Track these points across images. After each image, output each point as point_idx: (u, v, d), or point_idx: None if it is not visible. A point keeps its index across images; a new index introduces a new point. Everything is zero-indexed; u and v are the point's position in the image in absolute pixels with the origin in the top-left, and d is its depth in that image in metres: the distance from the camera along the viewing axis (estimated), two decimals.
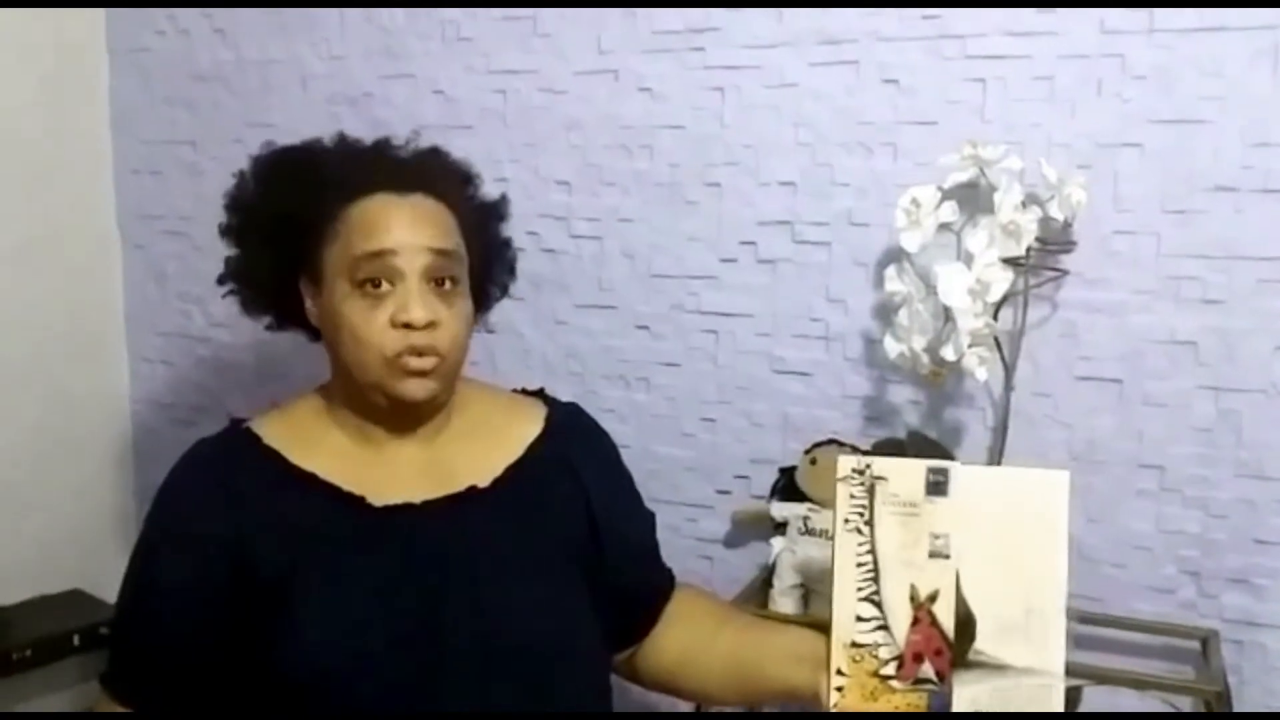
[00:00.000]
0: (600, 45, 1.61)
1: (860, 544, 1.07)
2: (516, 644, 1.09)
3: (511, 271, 1.29)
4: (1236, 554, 1.37)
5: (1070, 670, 1.24)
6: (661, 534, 1.33)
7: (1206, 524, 1.37)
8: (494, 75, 1.69)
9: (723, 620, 1.26)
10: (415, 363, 1.08)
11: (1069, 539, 1.41)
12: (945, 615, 1.05)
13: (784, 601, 1.44)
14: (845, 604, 1.07)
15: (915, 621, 1.06)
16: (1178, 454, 1.38)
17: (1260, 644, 1.37)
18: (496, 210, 1.27)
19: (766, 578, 1.48)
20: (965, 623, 1.05)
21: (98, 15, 1.96)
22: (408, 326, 1.07)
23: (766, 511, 1.53)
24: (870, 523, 1.07)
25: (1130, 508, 1.40)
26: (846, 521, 1.08)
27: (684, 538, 1.65)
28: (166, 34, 1.92)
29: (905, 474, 1.08)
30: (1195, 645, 1.37)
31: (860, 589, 1.07)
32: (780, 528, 1.50)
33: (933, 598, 1.06)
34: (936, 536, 1.06)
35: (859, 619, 1.07)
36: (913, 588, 1.06)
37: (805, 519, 1.47)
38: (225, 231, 1.20)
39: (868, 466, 1.08)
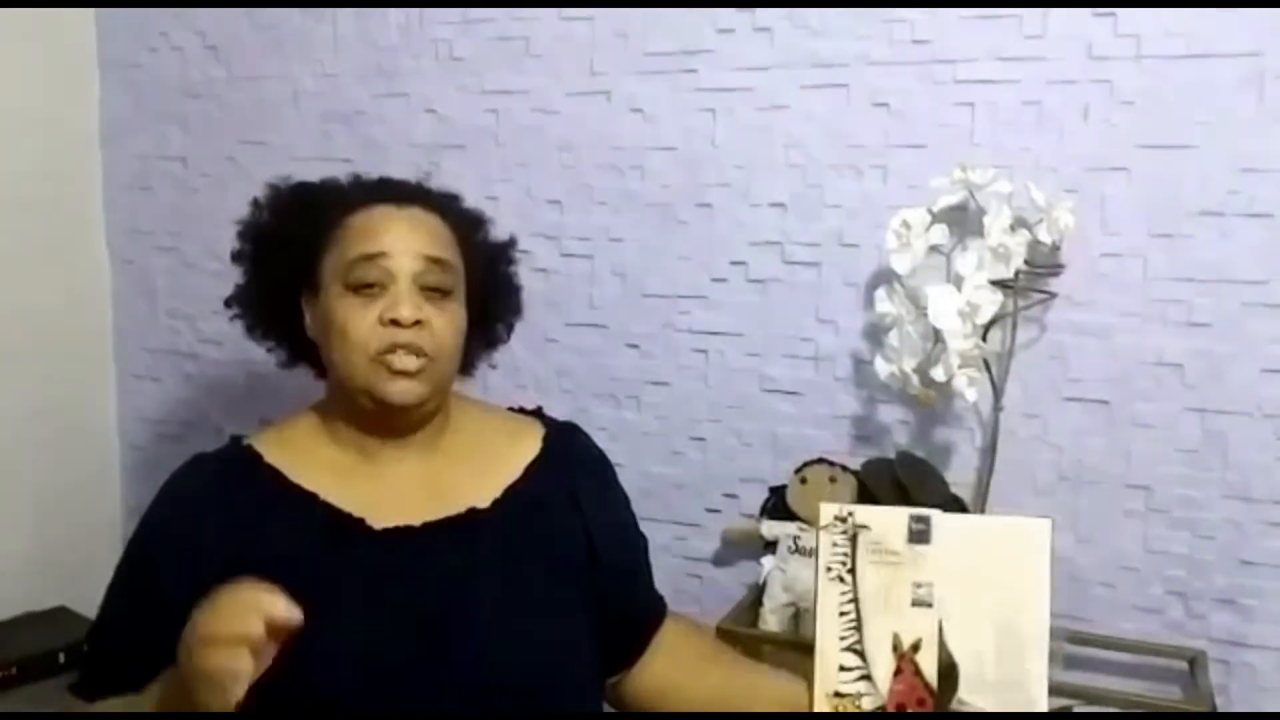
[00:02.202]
0: (593, 66, 1.62)
1: (843, 593, 1.08)
2: (515, 668, 1.09)
3: (517, 311, 1.30)
4: (1223, 574, 1.38)
5: (1059, 690, 1.25)
6: (651, 552, 1.33)
7: (1193, 544, 1.38)
8: (486, 95, 1.69)
9: (711, 658, 1.26)
10: (400, 361, 1.08)
11: (1058, 559, 1.42)
12: (928, 665, 1.06)
13: (774, 620, 1.44)
14: (828, 653, 1.08)
15: (898, 671, 1.06)
16: (1165, 475, 1.39)
17: (1247, 664, 1.38)
18: (504, 252, 1.28)
19: (757, 596, 1.49)
20: (948, 672, 1.06)
21: (90, 30, 1.96)
22: (395, 324, 1.08)
23: (756, 530, 1.53)
24: (853, 571, 1.08)
25: (1118, 528, 1.41)
26: (829, 570, 1.08)
27: (674, 556, 1.65)
28: (159, 50, 1.92)
29: (887, 522, 1.08)
30: (1183, 665, 1.38)
31: (843, 638, 1.08)
32: (770, 546, 1.50)
33: (915, 647, 1.06)
34: (919, 585, 1.07)
35: (842, 668, 1.07)
36: (895, 637, 1.07)
37: (795, 538, 1.47)
38: (235, 257, 1.22)
39: (850, 514, 1.08)
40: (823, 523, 1.09)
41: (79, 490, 2.00)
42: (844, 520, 1.08)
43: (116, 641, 1.12)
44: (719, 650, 1.30)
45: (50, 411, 1.93)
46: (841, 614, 1.08)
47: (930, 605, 1.07)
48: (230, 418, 1.93)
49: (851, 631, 1.08)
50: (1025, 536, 1.08)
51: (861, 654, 1.07)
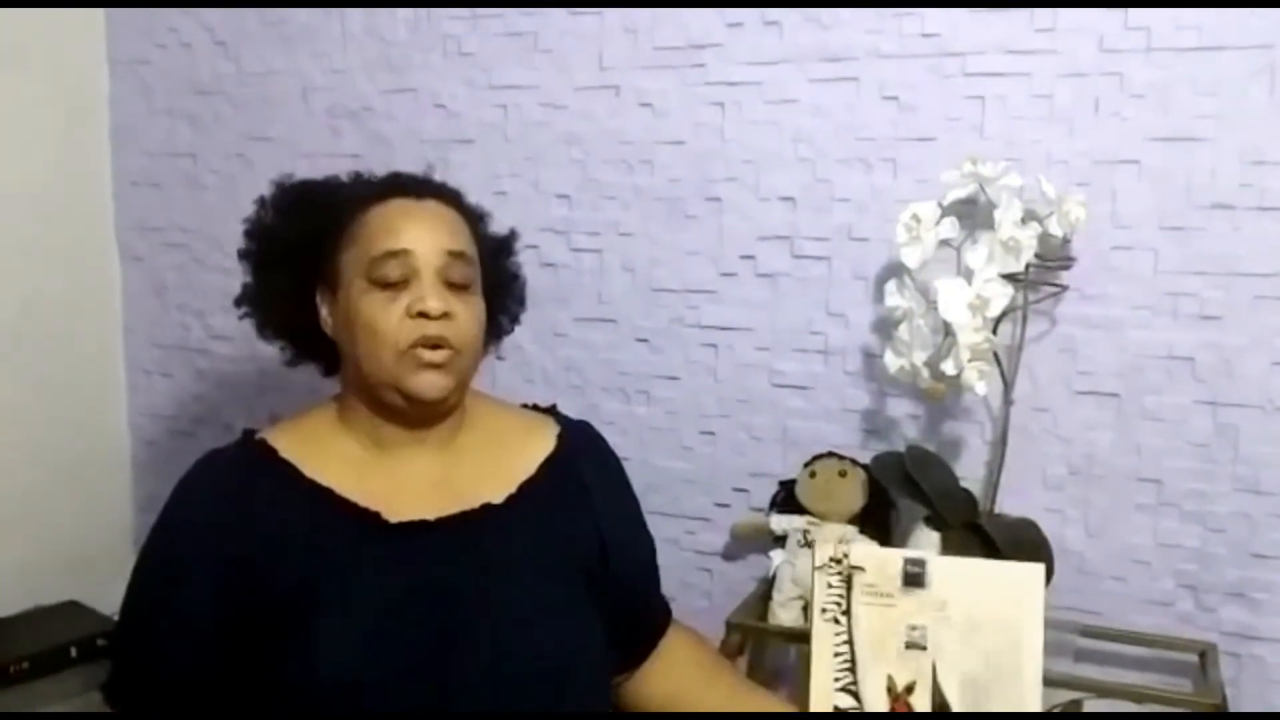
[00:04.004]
0: (602, 61, 1.62)
1: (837, 634, 1.09)
2: (529, 663, 1.09)
3: (521, 302, 1.31)
4: (1234, 568, 1.37)
5: (1069, 683, 1.26)
6: (661, 546, 1.33)
7: (1204, 538, 1.38)
8: (495, 90, 1.69)
9: (713, 676, 1.27)
10: (429, 355, 1.09)
11: (1068, 551, 1.42)
12: (922, 707, 1.06)
13: (784, 614, 1.44)
14: (822, 695, 1.09)
15: (893, 713, 1.07)
16: (1176, 468, 1.39)
17: (1258, 657, 1.38)
18: (506, 245, 1.28)
19: (766, 590, 1.49)
20: (942, 714, 1.06)
21: (99, 27, 1.96)
22: (423, 316, 1.08)
23: (766, 524, 1.53)
24: (847, 612, 1.09)
25: (1128, 521, 1.41)
26: (824, 611, 1.09)
27: (683, 550, 1.65)
28: (168, 46, 1.92)
29: (882, 564, 1.10)
30: (1193, 658, 1.37)
31: (837, 679, 1.09)
32: (780, 540, 1.50)
33: (910, 689, 1.07)
34: (914, 628, 1.08)
35: (836, 709, 1.08)
36: (890, 679, 1.08)
37: (805, 532, 1.47)
38: (244, 255, 1.21)
39: (845, 556, 1.09)
40: (817, 563, 1.10)
41: (90, 485, 2.00)
42: (839, 562, 1.09)
43: (142, 648, 1.13)
44: (721, 669, 1.30)
45: (61, 407, 1.94)
46: (836, 655, 1.09)
47: (924, 648, 1.08)
48: (241, 413, 1.93)
49: (846, 673, 1.09)
50: (1018, 580, 1.09)
51: (856, 695, 1.08)
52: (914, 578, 1.09)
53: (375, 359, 1.10)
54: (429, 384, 1.10)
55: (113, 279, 2.03)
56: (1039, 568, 1.10)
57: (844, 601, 1.09)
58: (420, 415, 1.14)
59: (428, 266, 1.10)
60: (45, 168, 1.89)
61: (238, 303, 1.22)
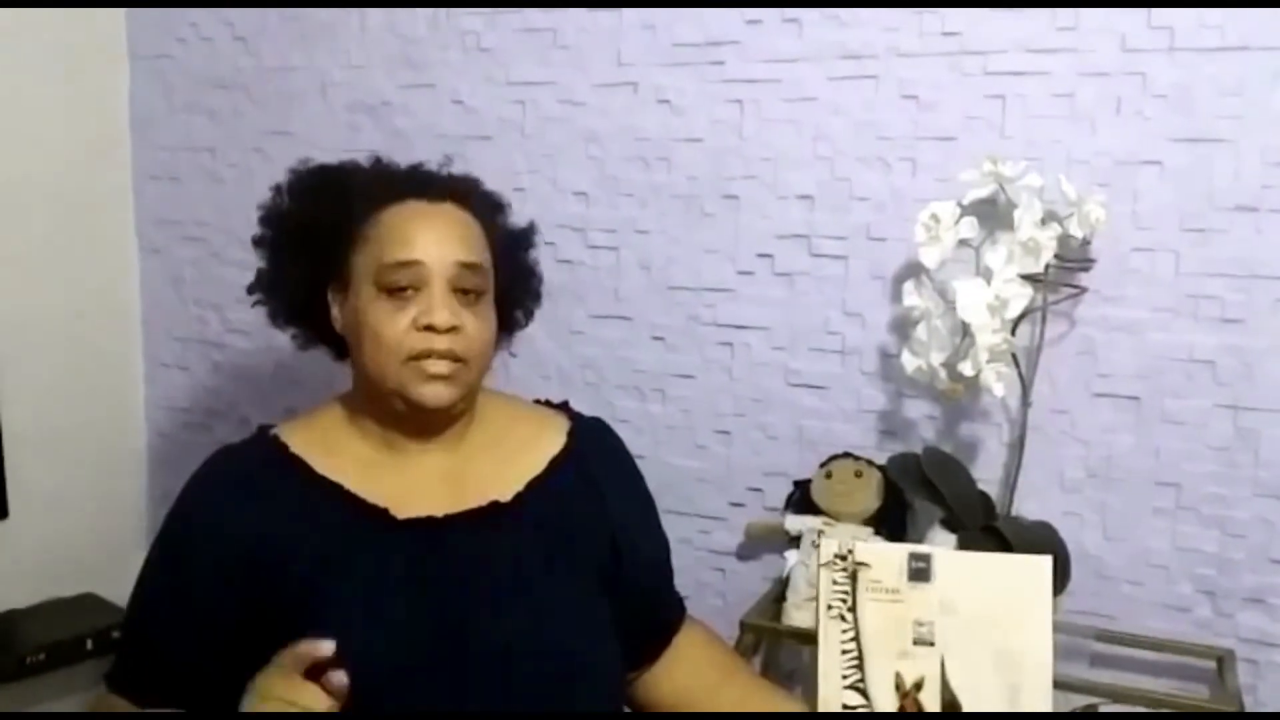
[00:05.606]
0: (620, 58, 1.62)
1: (844, 631, 1.08)
2: (538, 661, 1.09)
3: (537, 298, 1.29)
4: (1253, 573, 1.36)
5: (1085, 688, 1.25)
6: (674, 546, 1.33)
7: (1223, 543, 1.37)
8: (513, 86, 1.69)
9: (727, 676, 1.26)
10: (435, 366, 1.08)
11: (1086, 555, 1.41)
12: (931, 703, 1.06)
13: (799, 615, 1.44)
14: (830, 692, 1.08)
15: (901, 710, 1.06)
16: (1195, 472, 1.37)
17: (1276, 664, 1.36)
18: (525, 238, 1.27)
19: (780, 591, 1.48)
20: (951, 710, 1.05)
21: (119, 21, 1.97)
22: (430, 329, 1.08)
23: (780, 524, 1.53)
24: (854, 609, 1.08)
25: (1147, 525, 1.40)
26: (830, 608, 1.09)
27: (697, 549, 1.65)
28: (188, 41, 1.93)
29: (887, 560, 1.09)
30: (1211, 665, 1.36)
31: (845, 677, 1.08)
32: (794, 541, 1.50)
33: (918, 686, 1.07)
34: (920, 624, 1.08)
35: (845, 707, 1.08)
36: (898, 676, 1.07)
37: (820, 532, 1.46)
38: (258, 242, 1.21)
39: (849, 552, 1.09)
40: (822, 560, 1.10)
41: (106, 477, 2.01)
42: (843, 558, 1.09)
43: (149, 638, 1.13)
44: (735, 667, 1.29)
45: (78, 399, 1.95)
46: (843, 652, 1.09)
47: (932, 644, 1.07)
48: (257, 407, 1.94)
49: (854, 670, 1.08)
50: (1025, 572, 1.09)
51: (864, 692, 1.08)
52: (919, 573, 1.08)
53: (380, 366, 1.10)
54: (434, 394, 1.09)
55: (131, 272, 2.04)
56: (1045, 559, 1.09)
57: (849, 598, 1.09)
58: (426, 422, 1.14)
59: (438, 277, 1.09)
60: (66, 161, 1.90)
61: (250, 290, 1.22)
